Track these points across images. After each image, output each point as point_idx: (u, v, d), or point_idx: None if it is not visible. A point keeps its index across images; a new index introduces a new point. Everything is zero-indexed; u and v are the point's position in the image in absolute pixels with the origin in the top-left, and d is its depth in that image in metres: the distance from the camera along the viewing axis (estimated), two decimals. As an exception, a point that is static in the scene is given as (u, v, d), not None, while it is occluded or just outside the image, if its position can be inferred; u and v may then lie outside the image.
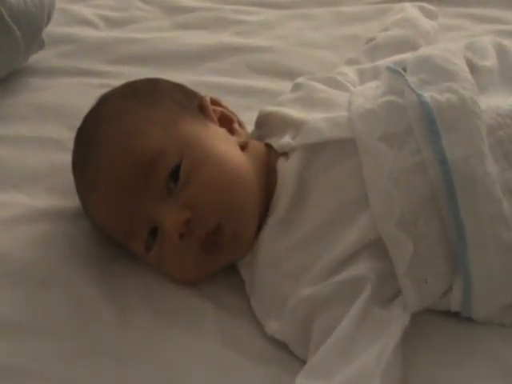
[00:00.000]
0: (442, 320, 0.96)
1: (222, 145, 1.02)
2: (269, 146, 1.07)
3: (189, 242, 0.96)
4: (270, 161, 1.05)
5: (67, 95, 1.37)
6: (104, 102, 1.07)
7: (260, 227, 1.01)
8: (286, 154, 1.04)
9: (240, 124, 1.10)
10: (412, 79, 1.01)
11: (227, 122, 1.08)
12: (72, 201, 1.09)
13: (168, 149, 0.98)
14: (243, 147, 1.05)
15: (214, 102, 1.10)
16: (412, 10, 1.43)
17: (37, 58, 1.47)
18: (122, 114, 1.03)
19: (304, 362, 0.91)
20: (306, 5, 1.75)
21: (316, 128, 1.01)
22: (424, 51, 1.09)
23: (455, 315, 0.96)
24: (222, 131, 1.06)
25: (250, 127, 1.13)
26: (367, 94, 1.04)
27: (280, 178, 1.02)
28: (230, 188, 0.98)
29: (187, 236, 0.96)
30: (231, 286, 1.02)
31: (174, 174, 0.97)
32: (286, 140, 1.03)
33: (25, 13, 1.36)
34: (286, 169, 1.02)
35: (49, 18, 1.44)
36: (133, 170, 0.97)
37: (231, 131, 1.07)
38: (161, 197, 0.97)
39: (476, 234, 0.92)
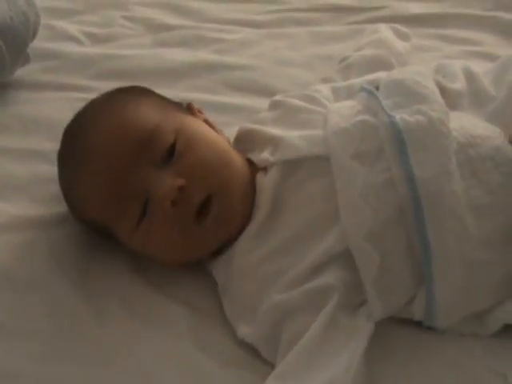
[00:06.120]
0: (404, 328, 0.98)
1: (213, 134, 1.07)
2: (248, 161, 1.09)
3: (180, 211, 0.98)
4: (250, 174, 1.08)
5: (51, 109, 1.39)
6: (92, 102, 1.10)
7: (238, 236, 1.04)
8: (264, 169, 1.07)
9: (220, 134, 1.13)
10: (386, 102, 1.03)
11: (210, 127, 1.11)
12: (54, 210, 1.12)
13: (165, 126, 1.01)
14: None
15: (198, 110, 1.14)
16: (386, 31, 1.45)
17: (22, 73, 1.48)
18: (117, 100, 1.06)
19: (274, 366, 0.92)
20: (284, 24, 1.76)
21: (293, 145, 1.04)
22: (397, 74, 1.11)
23: (417, 324, 0.98)
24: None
25: (228, 143, 1.15)
26: (342, 112, 1.06)
27: (258, 191, 1.05)
28: (221, 164, 1.02)
29: (179, 205, 0.98)
30: (205, 290, 1.04)
31: (170, 151, 1.00)
32: (264, 155, 1.07)
33: (10, 28, 1.37)
34: (264, 183, 1.05)
35: (34, 34, 1.46)
36: (130, 142, 1.00)
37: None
38: (155, 168, 1.00)
39: (441, 250, 0.94)
